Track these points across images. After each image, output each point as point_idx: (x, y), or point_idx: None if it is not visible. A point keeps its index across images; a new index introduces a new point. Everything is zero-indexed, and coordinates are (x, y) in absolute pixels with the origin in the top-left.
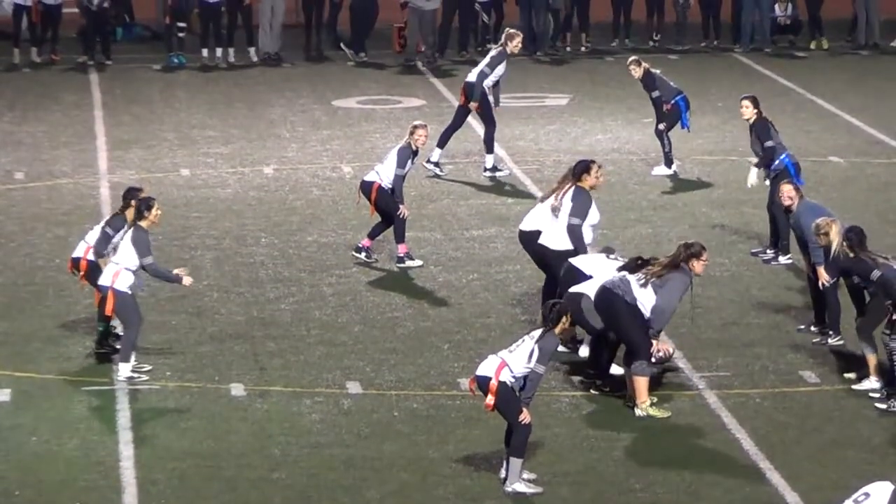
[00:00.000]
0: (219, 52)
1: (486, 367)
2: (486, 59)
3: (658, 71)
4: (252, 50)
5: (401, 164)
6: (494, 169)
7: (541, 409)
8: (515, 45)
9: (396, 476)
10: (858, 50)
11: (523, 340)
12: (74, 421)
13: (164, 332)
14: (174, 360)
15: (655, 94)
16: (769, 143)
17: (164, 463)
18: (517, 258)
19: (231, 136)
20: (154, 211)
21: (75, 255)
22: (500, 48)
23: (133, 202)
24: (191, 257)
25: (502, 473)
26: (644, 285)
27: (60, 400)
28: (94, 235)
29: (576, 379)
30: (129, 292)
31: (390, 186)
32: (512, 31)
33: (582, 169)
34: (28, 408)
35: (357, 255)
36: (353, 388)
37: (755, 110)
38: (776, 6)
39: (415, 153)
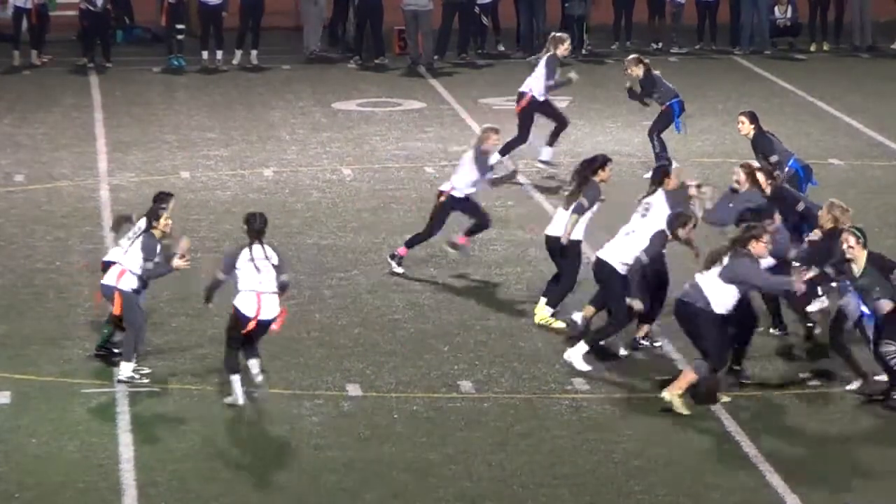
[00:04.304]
0: (219, 54)
1: None
2: (541, 69)
3: (657, 72)
4: (254, 53)
5: (482, 170)
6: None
7: (540, 412)
8: (565, 48)
9: (396, 478)
10: (858, 52)
11: None
12: (74, 423)
13: (165, 334)
14: (174, 362)
15: (655, 95)
16: (774, 158)
17: (164, 465)
18: (517, 260)
19: (231, 139)
20: (163, 221)
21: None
22: (550, 53)
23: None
24: (190, 259)
25: None
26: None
27: (60, 402)
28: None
29: (576, 381)
30: (133, 292)
31: (464, 194)
32: (557, 34)
33: (664, 173)
34: (28, 410)
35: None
36: (353, 390)
37: (752, 125)
38: (776, 8)
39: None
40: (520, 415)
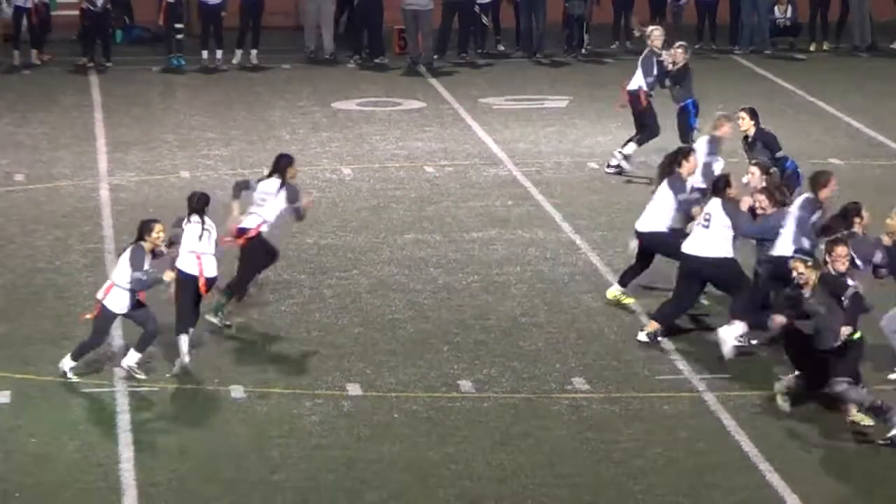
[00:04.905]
0: (219, 54)
1: None
2: (640, 65)
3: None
4: (254, 52)
5: (712, 151)
6: (619, 167)
7: (540, 412)
8: (655, 38)
9: (397, 478)
10: (858, 52)
11: None
12: (74, 423)
13: (164, 334)
14: (174, 361)
15: (677, 88)
16: (780, 153)
17: (164, 465)
18: (517, 260)
19: (231, 138)
20: (154, 234)
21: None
22: (648, 49)
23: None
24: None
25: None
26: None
27: (60, 402)
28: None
29: (576, 380)
30: (114, 312)
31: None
32: (650, 28)
33: (725, 183)
34: (28, 409)
35: None
36: (354, 389)
37: (752, 122)
38: (776, 8)
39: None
40: (520, 414)
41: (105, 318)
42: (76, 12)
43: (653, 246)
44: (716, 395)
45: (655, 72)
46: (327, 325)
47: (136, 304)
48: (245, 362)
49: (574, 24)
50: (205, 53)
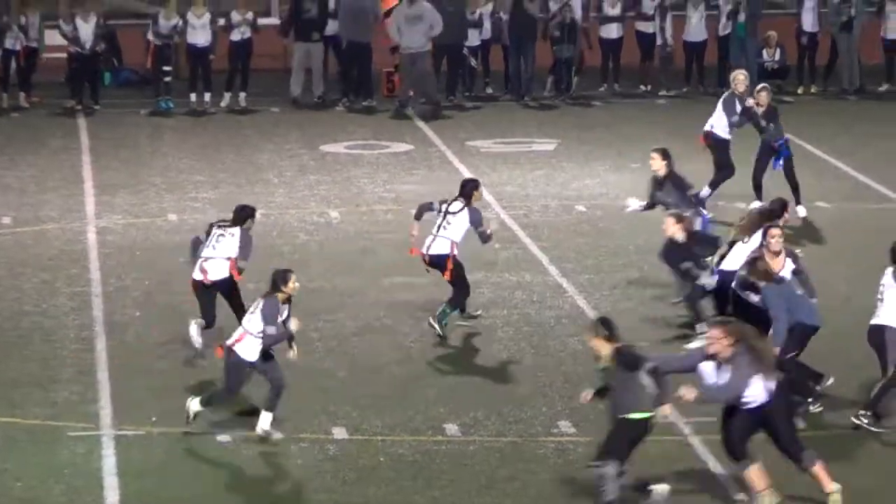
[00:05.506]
0: (207, 96)
1: None
2: (719, 108)
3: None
4: (242, 95)
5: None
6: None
7: (526, 455)
8: (740, 82)
9: None
10: (846, 95)
11: None
12: (60, 467)
13: (153, 377)
14: (161, 405)
15: (770, 127)
16: (692, 191)
17: None
18: (503, 303)
19: (219, 181)
20: (290, 284)
21: None
22: (729, 91)
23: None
24: (178, 302)
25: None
26: None
27: (46, 445)
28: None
29: (562, 423)
30: (247, 360)
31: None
32: (735, 72)
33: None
34: (13, 453)
35: None
36: (339, 433)
37: (664, 162)
38: (764, 51)
39: None
40: (506, 458)
41: (238, 367)
42: (64, 55)
43: None
44: (701, 438)
45: (738, 112)
46: (313, 367)
47: (265, 356)
48: (232, 405)
49: (562, 67)
50: (193, 96)
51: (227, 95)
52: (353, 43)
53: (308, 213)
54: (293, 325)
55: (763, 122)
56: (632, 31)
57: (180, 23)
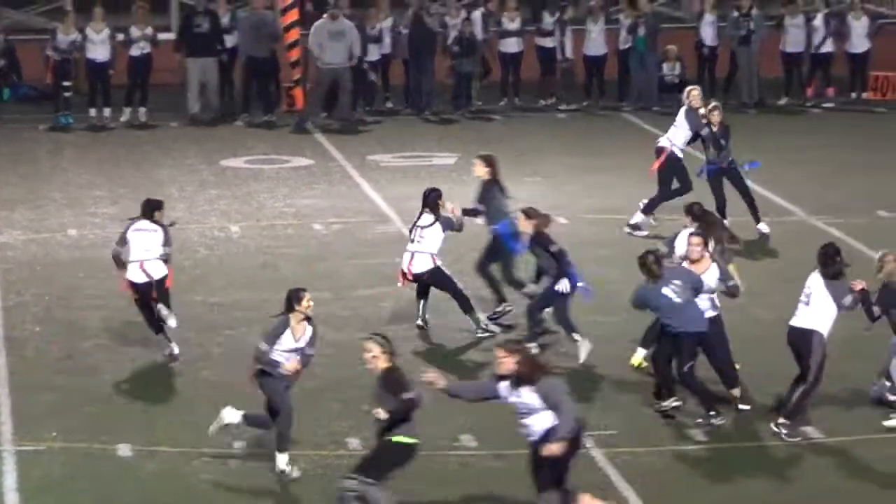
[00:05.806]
0: (107, 111)
1: None
2: (682, 121)
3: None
4: (142, 110)
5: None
6: (636, 227)
7: (430, 469)
8: (695, 97)
9: None
10: (746, 108)
11: None
12: None
13: (52, 392)
14: (61, 420)
15: (723, 145)
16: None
17: None
18: (404, 318)
19: (119, 196)
20: (304, 304)
21: None
22: (685, 107)
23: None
24: (78, 317)
25: None
26: None
27: None
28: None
29: (464, 437)
30: (274, 377)
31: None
32: (688, 88)
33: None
34: None
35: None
36: (241, 447)
37: (486, 169)
38: (664, 65)
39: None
40: (408, 473)
41: (269, 384)
42: None
43: None
44: (603, 451)
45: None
46: (215, 382)
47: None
48: (133, 420)
49: (462, 82)
50: (93, 111)
51: (127, 110)
52: (252, 58)
53: (208, 227)
54: (289, 365)
55: (722, 142)
56: (532, 46)
57: (79, 38)
